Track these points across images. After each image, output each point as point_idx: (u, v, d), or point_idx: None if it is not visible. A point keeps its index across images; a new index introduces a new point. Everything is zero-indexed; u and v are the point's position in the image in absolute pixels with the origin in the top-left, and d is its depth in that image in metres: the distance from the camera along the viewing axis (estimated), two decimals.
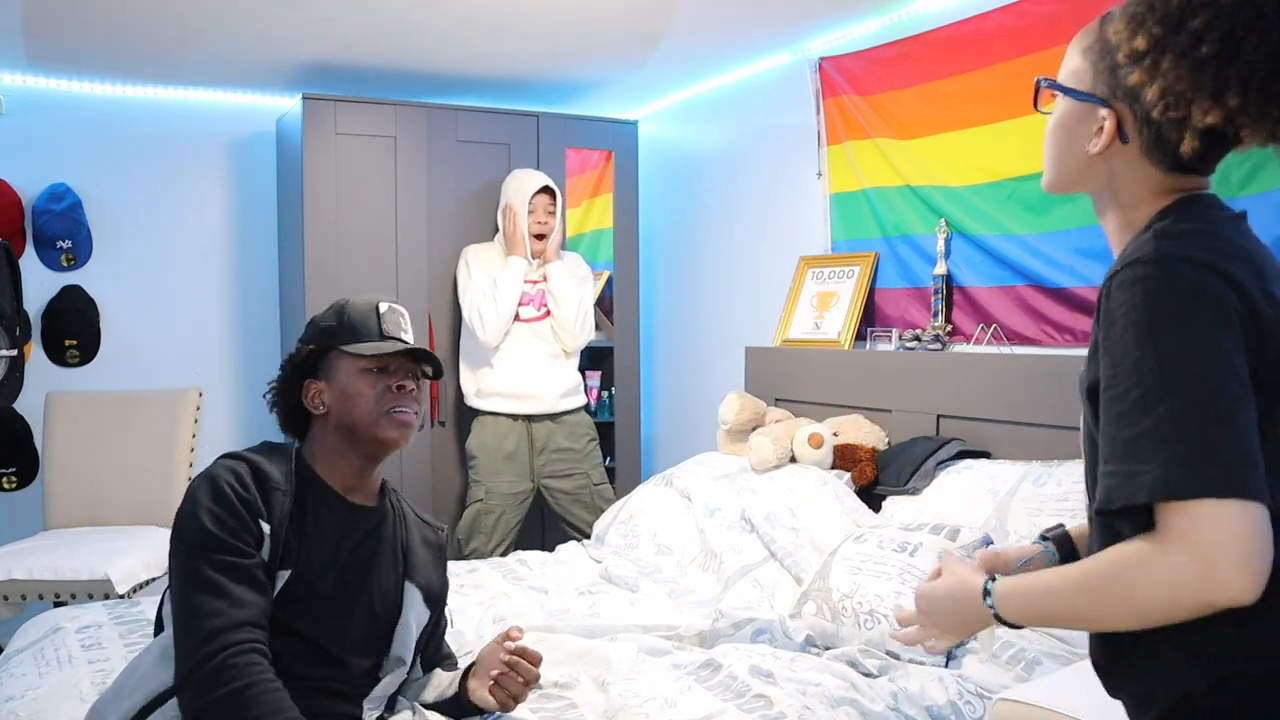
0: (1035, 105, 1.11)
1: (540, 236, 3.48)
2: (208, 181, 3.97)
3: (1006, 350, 2.67)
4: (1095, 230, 2.43)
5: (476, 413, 3.50)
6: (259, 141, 4.02)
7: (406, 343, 1.65)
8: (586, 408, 3.64)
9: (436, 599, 1.73)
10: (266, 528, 1.49)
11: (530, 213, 3.47)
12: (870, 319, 3.14)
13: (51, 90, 3.70)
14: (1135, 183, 1.02)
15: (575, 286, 3.49)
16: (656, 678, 1.87)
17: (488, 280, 3.43)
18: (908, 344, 2.90)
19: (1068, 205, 2.50)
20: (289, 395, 1.66)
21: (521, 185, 3.51)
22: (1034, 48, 2.58)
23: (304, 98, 3.49)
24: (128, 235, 3.84)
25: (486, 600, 2.46)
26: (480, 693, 1.61)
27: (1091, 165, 1.05)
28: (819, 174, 3.34)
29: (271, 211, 4.05)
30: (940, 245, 2.85)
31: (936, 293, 2.85)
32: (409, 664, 1.67)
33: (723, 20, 3.09)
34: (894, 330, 3.01)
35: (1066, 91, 1.05)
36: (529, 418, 3.45)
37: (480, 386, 3.47)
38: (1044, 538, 1.26)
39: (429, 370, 1.69)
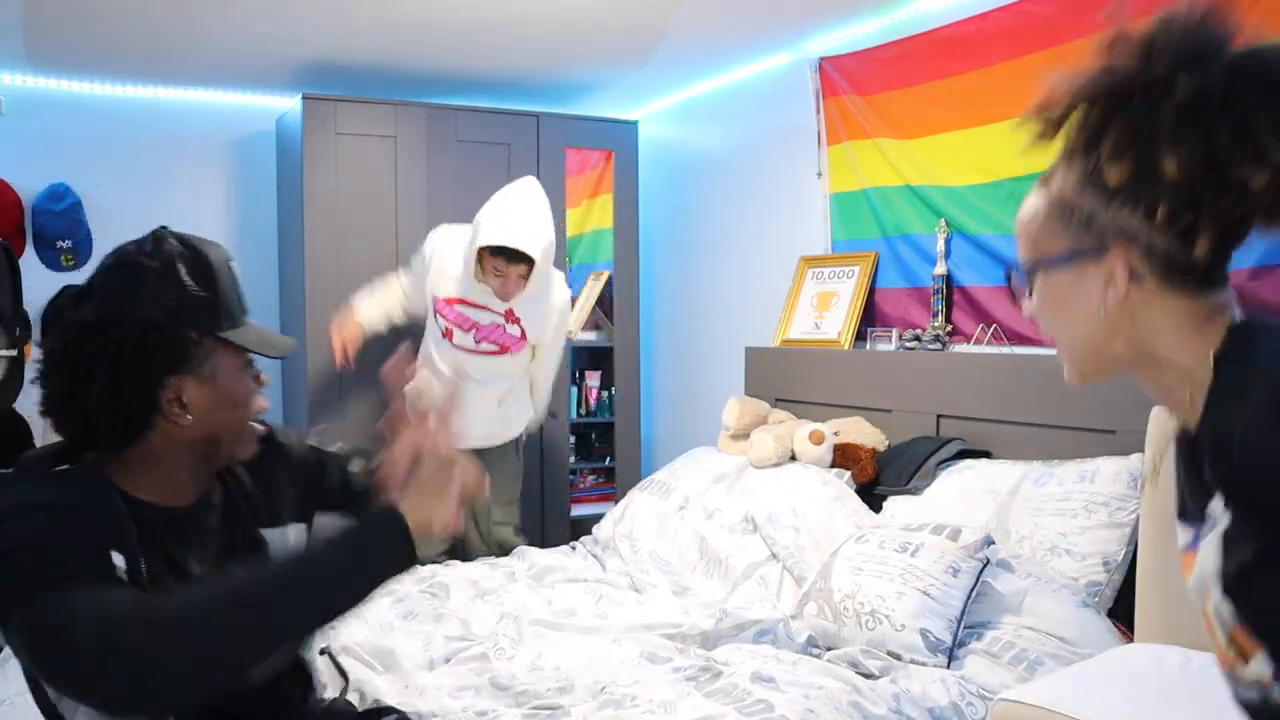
0: (1029, 295, 0.98)
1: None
2: (208, 181, 3.97)
3: (1006, 350, 2.67)
4: None
5: None
6: (259, 141, 4.01)
7: (265, 334, 1.24)
8: (516, 441, 3.19)
9: (302, 506, 1.31)
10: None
11: (495, 274, 2.82)
12: (870, 319, 3.14)
13: (51, 90, 3.69)
14: (1169, 320, 0.90)
15: (556, 357, 3.14)
16: (658, 685, 1.87)
17: (447, 281, 2.91)
18: (908, 344, 2.90)
19: None
20: (129, 396, 1.10)
21: (477, 232, 2.81)
22: (1034, 48, 2.58)
23: (304, 98, 3.49)
24: (128, 235, 3.71)
25: (492, 596, 2.47)
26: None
27: (1115, 324, 0.92)
28: (819, 174, 3.34)
29: (271, 211, 4.04)
30: (940, 245, 2.85)
31: (936, 293, 2.85)
32: None
33: (723, 20, 3.09)
34: (894, 330, 3.01)
35: (1054, 262, 0.94)
36: None
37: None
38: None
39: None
